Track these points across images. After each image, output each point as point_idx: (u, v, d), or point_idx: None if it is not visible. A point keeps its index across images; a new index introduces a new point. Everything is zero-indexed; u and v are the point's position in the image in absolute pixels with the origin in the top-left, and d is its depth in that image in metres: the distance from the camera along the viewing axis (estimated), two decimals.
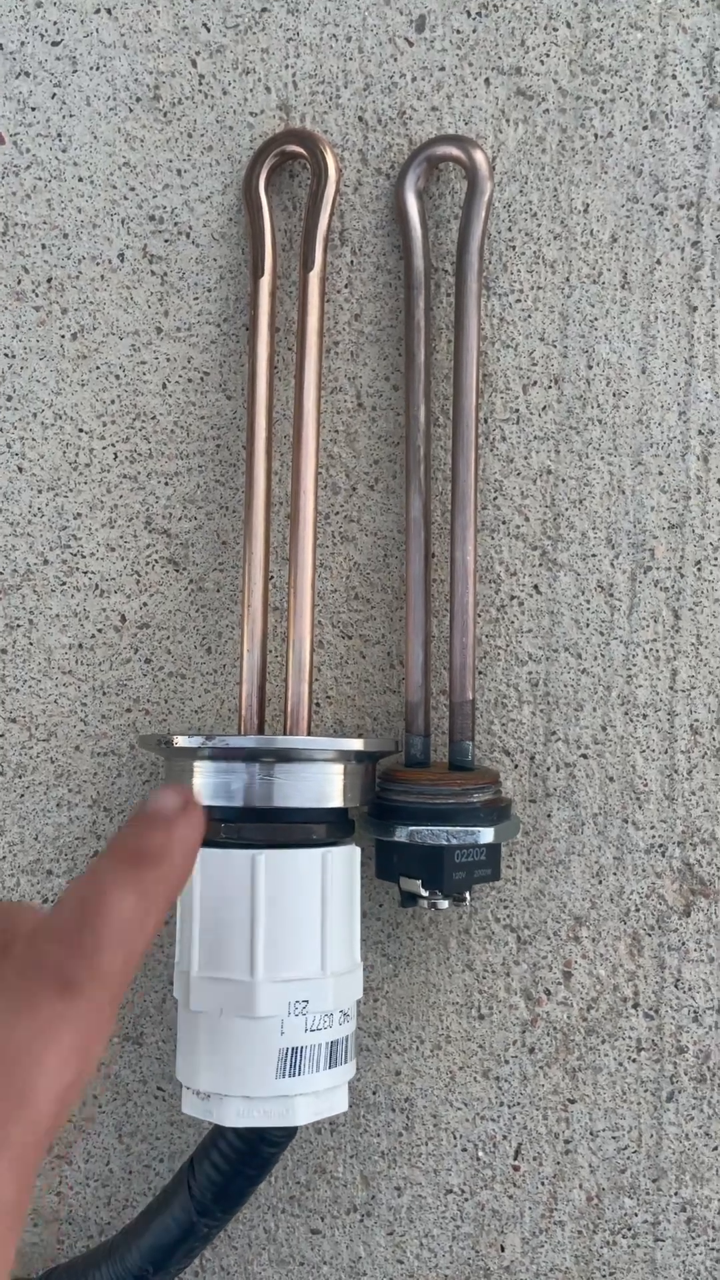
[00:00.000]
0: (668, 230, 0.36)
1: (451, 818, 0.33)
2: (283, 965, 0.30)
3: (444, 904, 0.34)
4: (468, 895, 0.34)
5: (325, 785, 0.32)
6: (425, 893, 0.33)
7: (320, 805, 0.31)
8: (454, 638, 0.35)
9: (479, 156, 0.35)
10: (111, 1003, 0.21)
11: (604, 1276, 0.38)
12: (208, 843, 0.30)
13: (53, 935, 0.22)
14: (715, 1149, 0.37)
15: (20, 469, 0.37)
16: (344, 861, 0.32)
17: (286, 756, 0.31)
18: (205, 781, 0.31)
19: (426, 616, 0.36)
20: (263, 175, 0.35)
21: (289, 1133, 0.32)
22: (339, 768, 0.32)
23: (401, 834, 0.33)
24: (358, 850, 0.33)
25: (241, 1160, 0.31)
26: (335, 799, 0.32)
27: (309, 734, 0.34)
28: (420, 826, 0.33)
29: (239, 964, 0.30)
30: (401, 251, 0.36)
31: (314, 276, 0.34)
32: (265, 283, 0.35)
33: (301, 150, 0.35)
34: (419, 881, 0.33)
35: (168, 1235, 0.32)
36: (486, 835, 0.33)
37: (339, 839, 0.33)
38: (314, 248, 0.35)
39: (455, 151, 0.35)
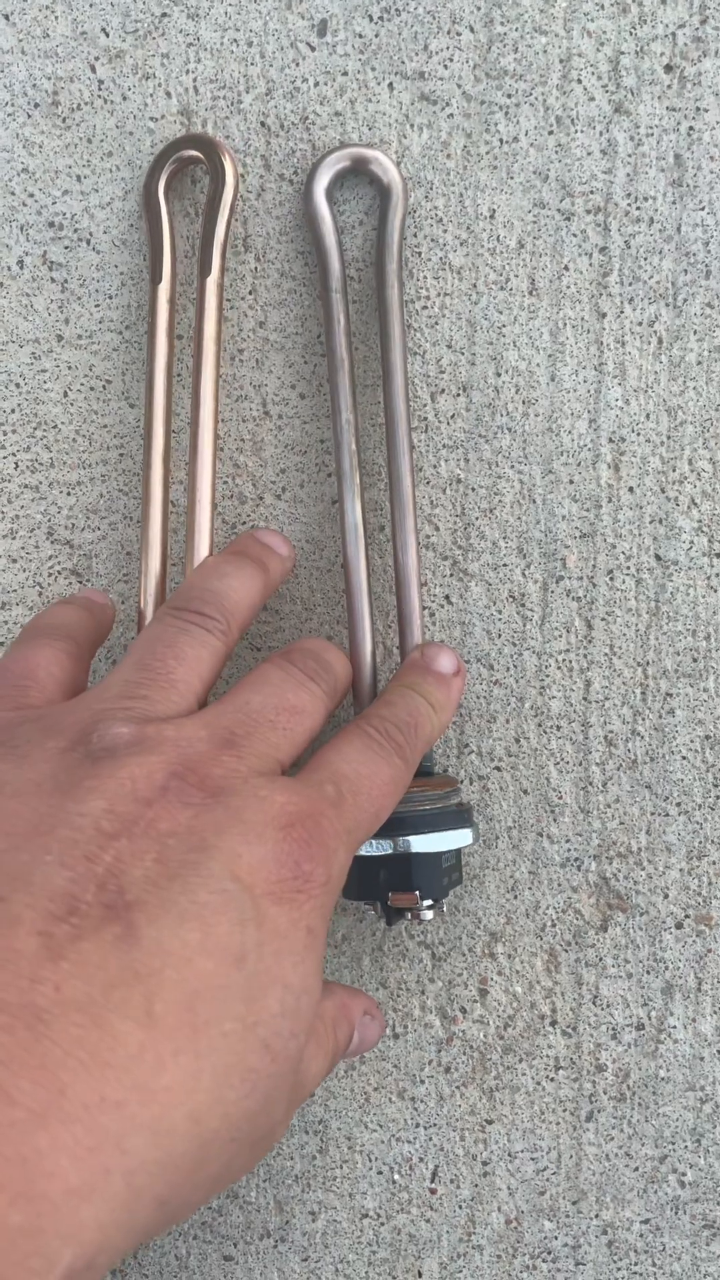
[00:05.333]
0: (575, 236, 0.36)
1: (439, 823, 0.33)
2: None
3: (429, 915, 0.33)
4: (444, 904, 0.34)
5: None
6: (427, 904, 0.33)
7: None
8: (404, 643, 0.34)
9: (391, 161, 0.34)
10: (409, 780, 0.31)
11: None
12: None
13: (398, 725, 0.31)
14: (636, 1170, 0.37)
15: None
16: None
17: None
18: None
19: (373, 626, 0.35)
20: (162, 181, 0.35)
21: None
22: None
23: (403, 845, 0.32)
24: None
25: None
26: None
27: None
28: (416, 835, 0.32)
29: None
30: (313, 256, 0.36)
31: (211, 283, 0.34)
32: (164, 289, 0.35)
33: (200, 155, 0.35)
34: (415, 893, 0.33)
35: None
36: (468, 837, 0.33)
37: None
38: (211, 254, 0.34)
39: (367, 154, 0.34)
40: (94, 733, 0.27)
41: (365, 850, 0.32)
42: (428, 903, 0.33)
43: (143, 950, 0.23)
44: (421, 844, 0.32)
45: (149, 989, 0.22)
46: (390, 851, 0.32)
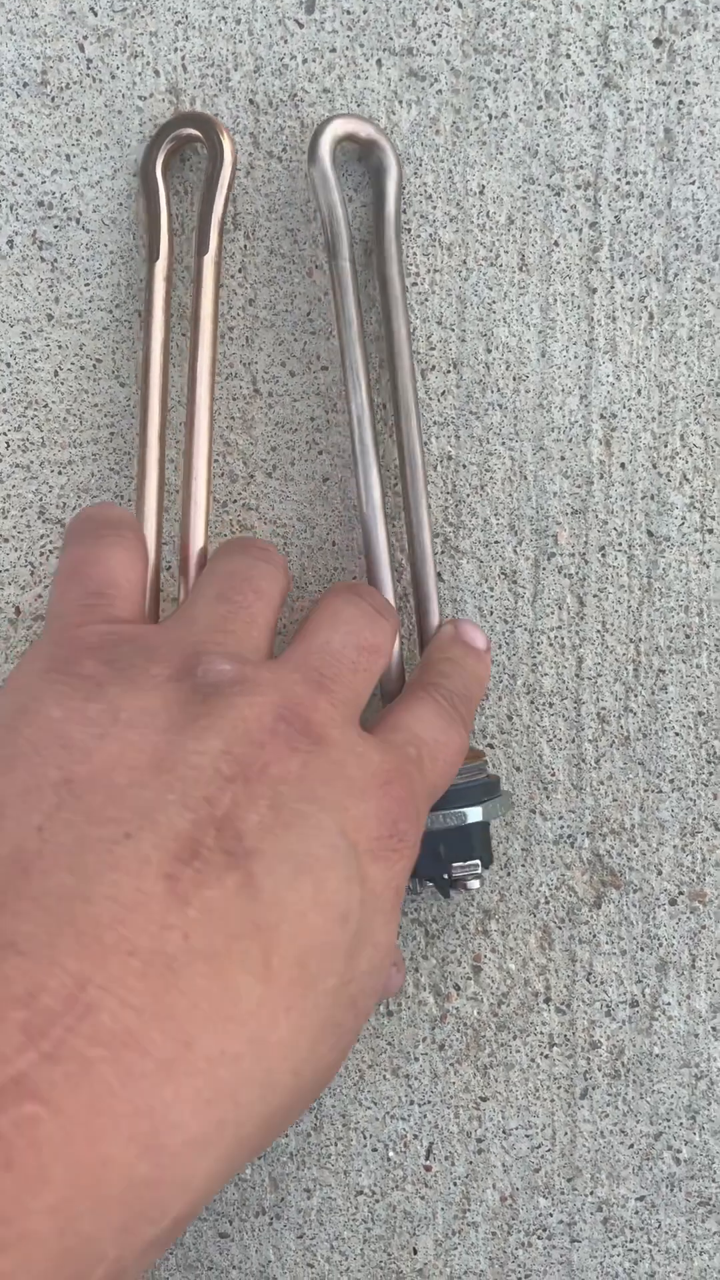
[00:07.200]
0: (565, 211, 0.35)
1: (488, 792, 0.33)
2: None
3: (475, 884, 0.33)
4: None
5: None
6: (483, 872, 0.33)
7: None
8: (423, 621, 0.34)
9: (384, 135, 0.34)
10: (468, 746, 0.31)
11: (520, 1279, 0.37)
12: None
13: (460, 695, 0.31)
14: (631, 1147, 0.37)
15: None
16: None
17: None
18: None
19: (399, 601, 0.35)
20: (160, 159, 0.35)
21: None
22: None
23: (474, 815, 0.32)
24: None
25: None
26: None
27: None
28: (476, 805, 0.33)
29: None
30: (302, 233, 0.36)
31: (209, 260, 0.34)
32: (160, 267, 0.35)
33: (198, 134, 0.35)
34: (477, 863, 0.33)
35: None
36: (510, 803, 0.34)
37: None
38: (209, 232, 0.34)
39: (368, 125, 0.34)
40: (198, 666, 0.26)
41: (431, 825, 0.32)
42: (479, 871, 0.33)
43: (262, 902, 0.23)
44: (483, 813, 0.33)
45: (267, 942, 0.22)
46: (463, 823, 0.32)
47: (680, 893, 0.36)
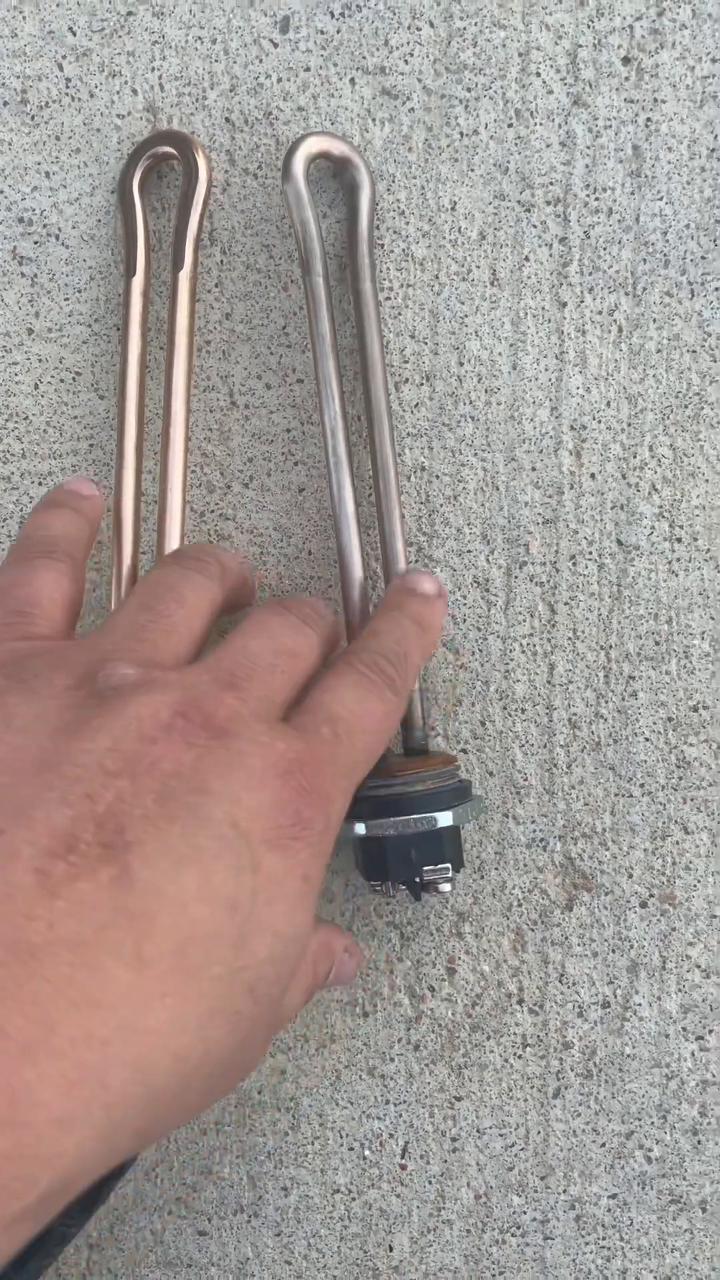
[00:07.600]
0: (535, 227, 0.36)
1: (459, 796, 0.34)
2: None
3: (447, 887, 0.34)
4: None
5: None
6: (454, 876, 0.34)
7: None
8: None
9: (357, 153, 0.35)
10: (402, 710, 0.32)
11: (494, 1276, 0.37)
12: None
13: (387, 657, 0.31)
14: (603, 1145, 0.37)
15: None
16: None
17: None
18: None
19: (364, 610, 0.35)
20: (137, 177, 0.36)
21: None
22: None
23: (444, 819, 0.33)
24: None
25: None
26: None
27: None
28: (451, 809, 0.33)
29: None
30: (277, 249, 0.36)
31: (184, 276, 0.35)
32: (138, 282, 0.35)
33: (174, 151, 0.35)
34: (447, 866, 0.34)
35: None
36: (481, 806, 0.35)
37: None
38: (184, 247, 0.35)
39: (341, 143, 0.35)
40: (101, 672, 0.27)
41: (402, 829, 0.33)
42: (450, 874, 0.34)
43: (136, 893, 0.23)
44: (454, 818, 0.33)
45: (140, 931, 0.23)
46: (434, 827, 0.33)
47: (651, 895, 0.37)
